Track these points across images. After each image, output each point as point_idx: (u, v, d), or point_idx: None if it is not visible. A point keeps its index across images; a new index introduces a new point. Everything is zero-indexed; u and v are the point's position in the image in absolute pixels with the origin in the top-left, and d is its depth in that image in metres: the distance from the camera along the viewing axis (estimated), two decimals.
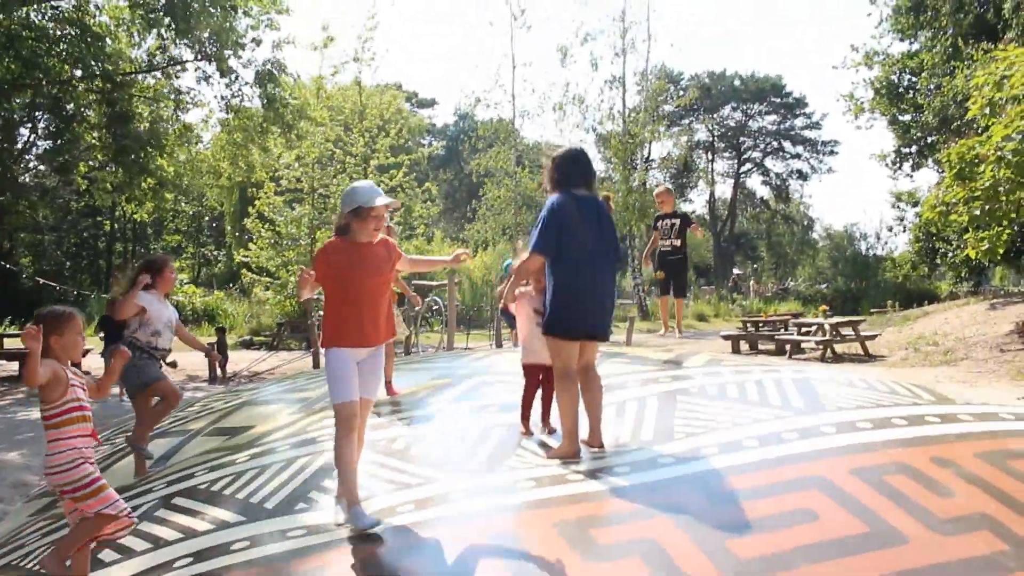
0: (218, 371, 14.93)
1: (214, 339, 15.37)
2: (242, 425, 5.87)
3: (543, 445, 4.78)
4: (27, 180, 34.60)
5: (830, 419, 4.53)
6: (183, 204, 43.28)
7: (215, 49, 16.31)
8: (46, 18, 15.75)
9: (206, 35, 16.02)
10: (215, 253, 46.60)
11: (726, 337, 18.23)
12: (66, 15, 15.84)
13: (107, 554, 3.77)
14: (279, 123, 17.58)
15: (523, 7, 31.69)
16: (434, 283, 19.26)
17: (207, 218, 47.14)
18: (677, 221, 10.85)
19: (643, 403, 5.18)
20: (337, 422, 3.77)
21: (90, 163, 17.44)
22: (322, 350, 3.74)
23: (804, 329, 18.10)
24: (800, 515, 3.32)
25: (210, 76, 17.02)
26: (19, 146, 31.09)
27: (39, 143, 18.79)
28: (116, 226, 43.70)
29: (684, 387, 5.53)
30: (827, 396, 5.13)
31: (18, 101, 15.31)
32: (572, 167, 4.87)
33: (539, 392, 5.14)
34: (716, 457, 4.03)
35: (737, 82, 58.97)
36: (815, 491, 3.52)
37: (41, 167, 32.24)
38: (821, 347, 16.01)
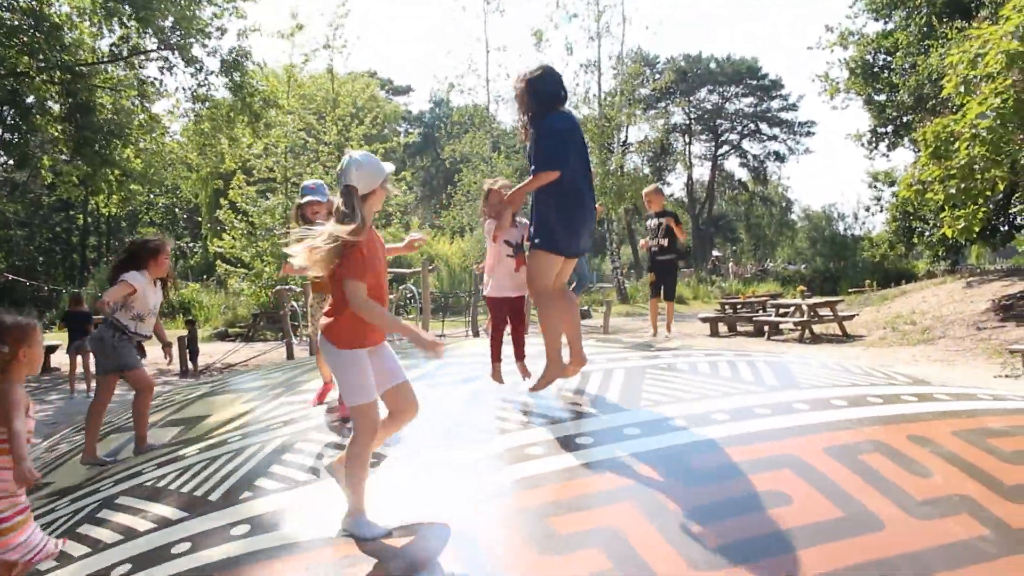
0: (189, 364, 14.68)
1: (185, 332, 15.08)
2: (197, 415, 5.66)
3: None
4: None
5: (804, 396, 4.38)
6: (157, 196, 42.78)
7: (179, 38, 15.98)
8: (3, 9, 15.35)
9: (168, 23, 15.69)
10: (191, 245, 46.09)
11: (704, 319, 18.16)
12: (23, 5, 15.45)
13: (45, 562, 3.55)
14: (246, 112, 17.26)
15: None
16: (408, 270, 19.04)
17: (181, 210, 46.62)
18: (664, 221, 10.62)
19: (608, 375, 5.01)
20: (360, 426, 3.32)
21: (55, 156, 17.03)
22: (335, 351, 3.34)
23: (782, 310, 18.03)
24: (773, 498, 3.15)
25: (174, 66, 16.68)
26: None
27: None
28: (89, 220, 43.10)
29: (654, 363, 5.37)
30: (801, 375, 4.98)
31: None
32: (553, 86, 4.86)
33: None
34: (684, 431, 3.85)
35: (713, 65, 58.97)
36: (788, 471, 3.34)
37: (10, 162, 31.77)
38: (799, 328, 15.94)
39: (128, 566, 3.23)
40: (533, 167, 4.68)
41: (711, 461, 3.51)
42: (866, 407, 4.19)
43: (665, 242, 10.57)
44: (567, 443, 3.80)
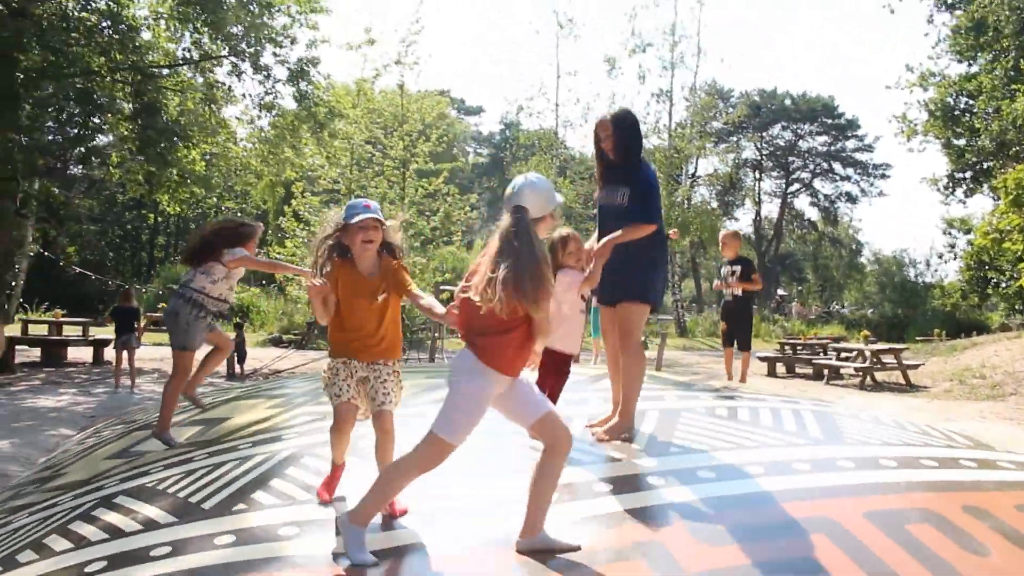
0: (236, 367, 14.72)
1: (233, 335, 15.14)
2: (219, 418, 5.51)
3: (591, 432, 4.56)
4: (77, 172, 35.10)
5: (849, 453, 4.01)
6: (225, 199, 43.57)
7: (249, 45, 16.15)
8: (83, 10, 15.69)
9: (239, 31, 15.86)
10: (257, 250, 46.80)
11: (763, 359, 17.62)
12: (101, 8, 15.81)
13: (27, 553, 3.43)
14: (310, 121, 17.34)
15: (571, 17, 31.46)
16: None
17: (250, 216, 47.40)
18: (739, 268, 10.04)
19: (641, 415, 4.69)
20: (423, 451, 3.06)
21: (123, 154, 17.32)
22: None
23: (844, 354, 17.43)
24: (802, 565, 2.81)
25: (242, 72, 16.84)
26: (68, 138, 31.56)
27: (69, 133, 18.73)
28: (159, 219, 44.01)
29: (690, 406, 5.03)
30: (849, 429, 4.60)
31: (48, 91, 15.18)
32: (640, 134, 4.82)
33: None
34: (709, 483, 3.51)
35: (788, 101, 58.07)
36: (823, 537, 2.99)
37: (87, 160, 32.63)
38: (860, 374, 15.36)
39: (103, 563, 3.12)
40: (632, 218, 4.49)
41: (735, 518, 3.18)
42: (918, 469, 3.81)
43: (740, 291, 10.02)
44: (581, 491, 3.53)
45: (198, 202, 23.01)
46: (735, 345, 10.00)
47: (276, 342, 22.96)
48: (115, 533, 3.43)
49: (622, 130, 4.63)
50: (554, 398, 4.61)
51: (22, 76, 13.96)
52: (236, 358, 14.69)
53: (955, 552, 2.90)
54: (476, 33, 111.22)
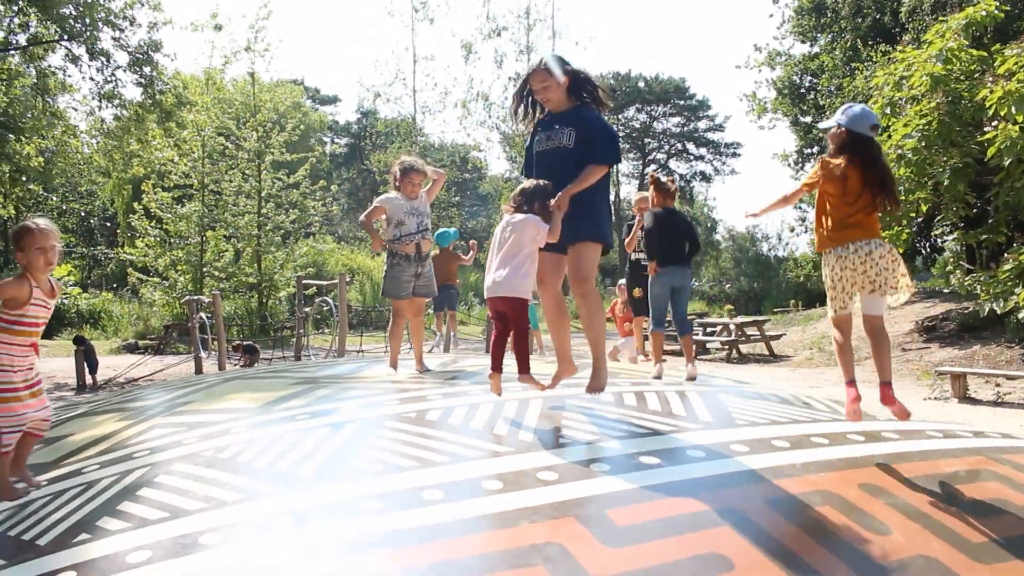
0: (87, 378, 13.82)
1: (75, 348, 14.13)
2: (62, 436, 4.98)
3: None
4: None
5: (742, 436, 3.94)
6: (71, 202, 41.14)
7: (83, 27, 14.98)
8: None
9: (71, 11, 14.69)
10: (106, 253, 44.39)
11: None
12: None
13: None
14: (156, 110, 16.30)
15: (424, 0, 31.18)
16: (326, 282, 18.33)
17: (97, 217, 44.91)
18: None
19: (525, 403, 4.50)
20: None
21: None
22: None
23: (709, 329, 17.85)
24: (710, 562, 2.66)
25: (78, 58, 15.62)
26: None
27: None
28: None
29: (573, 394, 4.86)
30: (735, 408, 4.55)
31: None
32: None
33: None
34: (606, 478, 3.34)
35: (641, 83, 59.28)
36: (728, 528, 2.86)
37: None
38: (727, 347, 15.74)
39: None
40: (594, 159, 4.52)
41: (636, 514, 3.02)
42: (811, 449, 3.77)
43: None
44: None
45: (39, 203, 21.44)
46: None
47: (131, 348, 21.75)
48: None
49: (582, 71, 4.78)
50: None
51: None
52: (88, 368, 13.81)
53: (859, 535, 2.83)
54: (329, 17, 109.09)
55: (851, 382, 4.28)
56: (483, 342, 17.15)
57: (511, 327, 4.50)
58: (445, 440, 3.85)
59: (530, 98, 4.90)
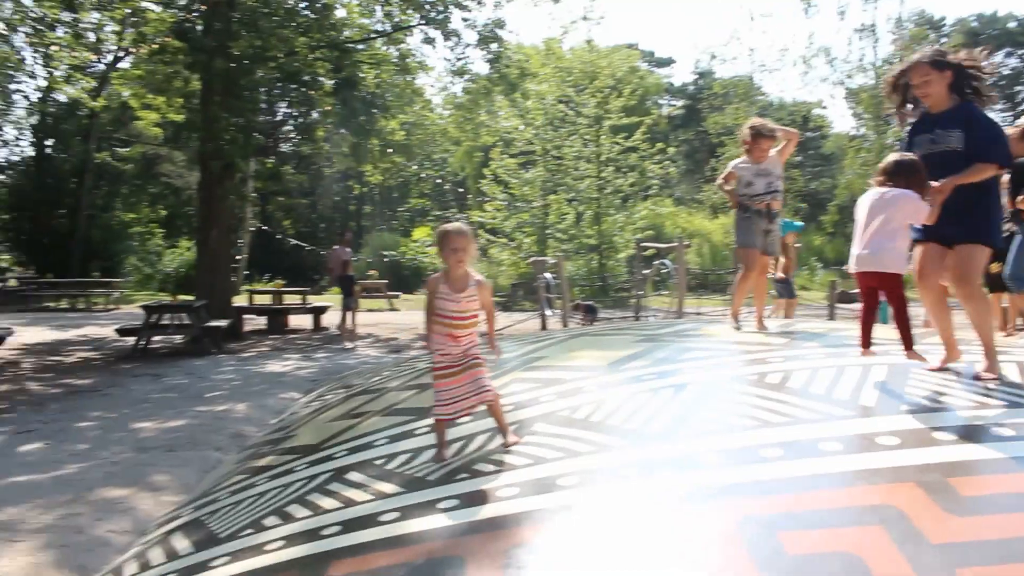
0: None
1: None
2: None
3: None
4: (286, 149, 37.41)
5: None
6: (426, 168, 44.98)
7: (438, 12, 16.43)
8: None
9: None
10: (458, 216, 48.17)
11: None
12: None
13: (272, 519, 3.59)
14: (503, 83, 17.44)
15: None
16: (665, 245, 18.46)
17: (449, 183, 48.72)
18: None
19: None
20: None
21: (327, 128, 18.23)
22: None
23: None
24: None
25: (433, 40, 17.23)
26: (279, 118, 33.58)
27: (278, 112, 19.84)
28: (365, 190, 46.01)
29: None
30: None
31: (262, 75, 16.06)
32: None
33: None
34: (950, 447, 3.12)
35: (1012, 24, 52.71)
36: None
37: (296, 137, 34.65)
38: None
39: (338, 527, 3.26)
40: (984, 158, 4.29)
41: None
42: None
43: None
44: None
45: (400, 171, 23.80)
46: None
47: None
48: (347, 503, 3.54)
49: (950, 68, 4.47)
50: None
51: (234, 64, 14.81)
52: None
53: None
54: None
55: None
56: (825, 308, 16.41)
57: (889, 302, 4.43)
58: (787, 403, 3.85)
59: (907, 90, 4.65)
